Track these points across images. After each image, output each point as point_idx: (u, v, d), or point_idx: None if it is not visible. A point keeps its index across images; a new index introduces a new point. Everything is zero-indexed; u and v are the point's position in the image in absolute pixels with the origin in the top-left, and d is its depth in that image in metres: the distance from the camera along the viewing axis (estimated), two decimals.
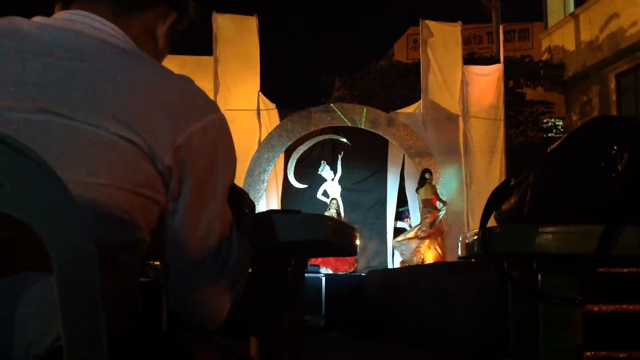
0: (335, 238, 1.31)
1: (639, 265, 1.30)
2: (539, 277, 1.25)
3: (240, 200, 1.19)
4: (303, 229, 1.25)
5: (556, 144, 1.29)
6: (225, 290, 1.06)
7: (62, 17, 1.05)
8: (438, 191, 11.29)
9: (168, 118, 0.95)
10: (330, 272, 10.25)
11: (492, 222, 1.41)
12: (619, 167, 1.15)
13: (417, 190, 11.33)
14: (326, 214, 11.49)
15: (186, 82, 1.02)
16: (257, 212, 1.29)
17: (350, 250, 1.43)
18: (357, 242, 1.51)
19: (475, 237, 1.39)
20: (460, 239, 1.60)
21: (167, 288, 1.05)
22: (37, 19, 1.04)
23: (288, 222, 1.25)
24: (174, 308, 1.05)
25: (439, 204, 11.06)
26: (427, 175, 11.14)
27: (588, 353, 1.32)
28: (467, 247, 1.46)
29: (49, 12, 1.09)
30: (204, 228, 1.02)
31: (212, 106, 1.03)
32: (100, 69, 0.95)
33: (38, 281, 0.82)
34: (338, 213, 11.91)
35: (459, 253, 1.65)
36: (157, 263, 1.20)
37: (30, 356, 0.82)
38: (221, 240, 1.04)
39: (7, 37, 0.98)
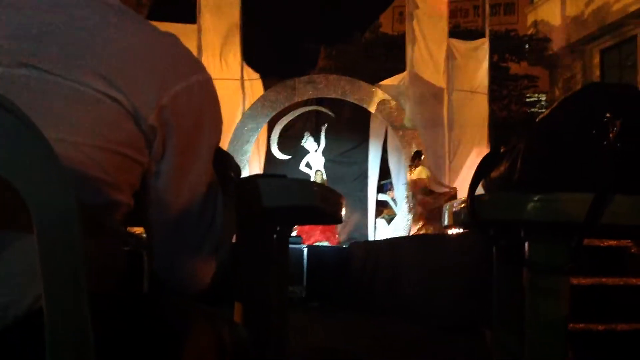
0: (322, 204, 1.29)
1: (627, 235, 1.30)
2: (527, 245, 1.24)
3: (226, 163, 1.17)
4: (289, 194, 1.23)
5: (547, 111, 1.28)
6: (210, 254, 1.04)
7: None
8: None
9: (153, 76, 0.92)
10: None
11: (480, 191, 1.39)
12: (611, 135, 1.14)
13: (410, 167, 10.83)
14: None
15: (172, 40, 0.98)
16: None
17: (337, 218, 1.42)
18: (344, 210, 1.49)
19: (462, 206, 1.38)
20: (447, 208, 1.59)
21: (150, 252, 1.02)
22: None
23: (274, 186, 1.22)
24: (157, 273, 1.03)
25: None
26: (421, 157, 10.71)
27: (579, 325, 1.32)
28: (454, 215, 1.45)
29: None
30: (188, 190, 0.99)
31: (199, 66, 1.00)
32: (82, 24, 0.91)
33: (17, 240, 0.80)
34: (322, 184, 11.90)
35: (444, 222, 1.64)
36: (139, 230, 1.17)
37: (9, 317, 0.80)
38: (205, 203, 1.02)
39: None
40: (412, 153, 11.01)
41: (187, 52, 1.00)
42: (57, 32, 0.90)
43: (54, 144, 0.75)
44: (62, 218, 0.73)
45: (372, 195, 12.86)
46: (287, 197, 1.23)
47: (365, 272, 8.17)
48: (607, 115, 1.14)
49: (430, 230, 10.17)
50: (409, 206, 11.09)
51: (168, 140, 0.94)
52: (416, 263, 6.76)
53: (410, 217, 11.22)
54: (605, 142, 1.14)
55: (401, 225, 11.36)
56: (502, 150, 1.32)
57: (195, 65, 0.99)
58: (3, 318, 0.80)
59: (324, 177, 12.24)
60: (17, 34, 0.89)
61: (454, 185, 11.55)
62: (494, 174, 1.32)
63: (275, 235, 1.33)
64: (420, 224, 10.47)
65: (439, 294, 6.09)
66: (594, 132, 1.15)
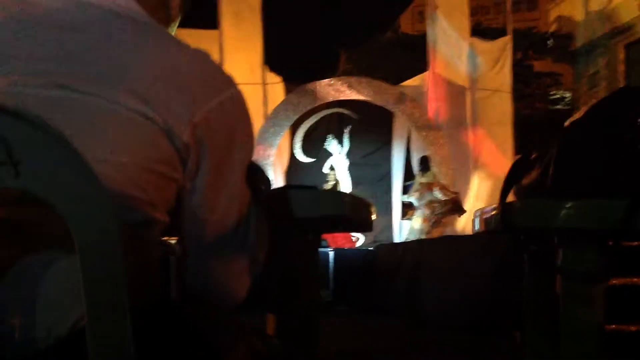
0: (353, 213, 1.29)
1: None
2: (560, 253, 1.23)
3: (257, 176, 1.17)
4: (320, 205, 1.24)
5: (578, 115, 1.27)
6: (244, 268, 1.05)
7: None
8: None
9: (185, 94, 0.92)
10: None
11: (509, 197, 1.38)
12: None
13: (421, 171, 10.68)
14: (325, 186, 11.52)
15: (203, 57, 0.99)
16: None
17: (367, 226, 1.42)
18: (374, 217, 1.50)
19: (494, 212, 1.37)
20: (478, 214, 1.58)
21: (180, 259, 1.03)
22: None
23: (304, 198, 1.23)
24: (192, 287, 1.04)
25: (437, 194, 10.36)
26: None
27: (611, 326, 1.31)
28: (485, 222, 1.44)
29: None
30: (222, 206, 1.00)
31: (230, 81, 1.01)
32: (115, 42, 0.92)
33: (60, 260, 0.81)
34: (336, 185, 11.91)
35: (476, 227, 1.63)
36: (170, 239, 1.18)
37: (52, 337, 0.81)
38: (240, 218, 1.02)
39: (15, 4, 0.95)
40: (420, 158, 10.97)
41: (218, 68, 1.01)
42: (90, 51, 0.91)
43: (92, 164, 0.76)
44: (102, 238, 0.74)
45: (397, 197, 12.82)
46: (317, 208, 1.24)
47: (391, 275, 8.14)
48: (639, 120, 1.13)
49: (437, 234, 10.13)
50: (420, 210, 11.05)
51: (202, 157, 0.95)
52: (441, 265, 6.72)
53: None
54: (638, 147, 1.13)
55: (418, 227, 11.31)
56: (533, 156, 1.31)
57: (227, 81, 1.00)
58: (46, 339, 0.81)
59: (341, 177, 12.21)
60: (51, 55, 0.90)
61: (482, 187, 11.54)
62: (525, 181, 1.32)
63: (306, 246, 1.34)
64: (428, 227, 10.48)
65: (464, 297, 6.04)
66: (626, 137, 1.14)
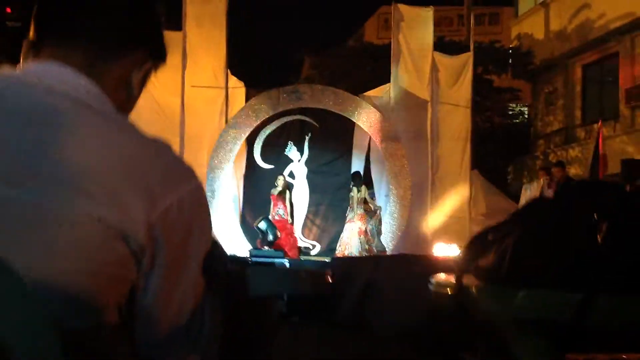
0: (310, 289, 1.28)
1: (615, 336, 1.31)
2: (514, 341, 1.24)
3: (213, 258, 1.15)
4: (278, 284, 1.22)
5: (536, 204, 1.28)
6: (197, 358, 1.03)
7: (31, 69, 0.98)
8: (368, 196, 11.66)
9: (143, 192, 0.90)
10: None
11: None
12: (598, 237, 1.14)
13: (354, 187, 11.60)
14: (272, 191, 11.52)
15: (162, 149, 0.97)
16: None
17: (324, 294, 1.41)
18: (330, 280, 1.49)
19: (446, 289, 1.38)
20: (434, 281, 1.59)
21: None
22: (4, 71, 0.98)
23: (262, 277, 1.22)
24: None
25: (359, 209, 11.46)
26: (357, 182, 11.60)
27: None
28: (437, 296, 1.45)
29: None
30: (176, 303, 0.98)
31: (189, 174, 0.98)
32: (71, 138, 0.89)
33: None
34: (284, 191, 11.71)
35: (431, 289, 1.64)
36: None
37: None
38: (194, 312, 1.00)
39: None
40: (352, 173, 11.88)
41: (178, 160, 0.98)
42: (46, 149, 0.87)
43: (34, 273, 0.74)
44: (39, 347, 0.72)
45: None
46: (276, 287, 1.23)
47: (345, 288, 8.16)
48: (594, 216, 1.15)
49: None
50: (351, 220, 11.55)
51: (157, 255, 0.93)
52: (394, 283, 6.76)
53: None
54: (592, 243, 1.15)
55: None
56: (489, 237, 1.33)
57: (186, 174, 0.98)
58: None
59: (288, 183, 12.07)
60: (4, 150, 0.87)
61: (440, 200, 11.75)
62: (482, 263, 1.33)
63: (264, 320, 1.32)
64: (364, 239, 11.28)
65: (415, 315, 6.07)
66: (581, 232, 1.15)
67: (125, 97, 1.07)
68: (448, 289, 1.32)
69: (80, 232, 0.85)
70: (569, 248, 1.17)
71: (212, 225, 1.04)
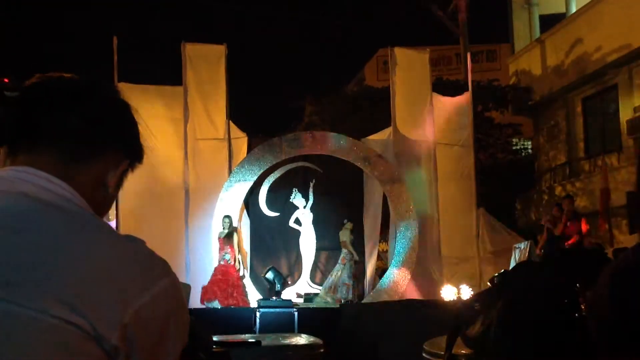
0: None
1: None
2: None
3: (194, 344, 1.15)
4: None
5: (519, 272, 1.28)
6: None
7: (5, 174, 1.00)
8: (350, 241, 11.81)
9: (116, 293, 0.90)
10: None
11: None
12: (582, 309, 1.13)
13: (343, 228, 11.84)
14: (219, 234, 10.79)
15: (136, 248, 0.97)
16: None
17: None
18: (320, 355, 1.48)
19: (438, 358, 1.37)
20: (426, 346, 1.58)
21: None
22: None
23: (247, 358, 1.21)
24: None
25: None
26: (345, 222, 11.81)
27: None
28: None
29: None
30: None
31: (163, 270, 0.99)
32: (44, 243, 0.90)
33: None
34: (231, 233, 10.76)
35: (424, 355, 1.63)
36: None
37: None
38: None
39: None
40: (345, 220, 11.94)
41: (152, 257, 0.98)
42: (17, 255, 0.88)
43: None
44: None
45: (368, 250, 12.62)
46: None
47: (357, 334, 8.08)
48: (576, 287, 1.15)
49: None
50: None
51: (132, 355, 0.93)
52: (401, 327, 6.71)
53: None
54: (576, 316, 1.14)
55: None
56: (476, 307, 1.32)
57: (160, 271, 0.98)
58: None
59: (232, 221, 10.99)
60: None
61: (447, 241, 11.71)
62: (469, 331, 1.32)
63: None
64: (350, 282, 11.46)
65: None
66: (564, 307, 1.15)
67: (101, 197, 1.08)
68: (440, 357, 1.31)
69: (53, 336, 0.85)
70: (552, 322, 1.16)
71: (188, 320, 1.04)
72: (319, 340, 3.36)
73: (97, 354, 0.89)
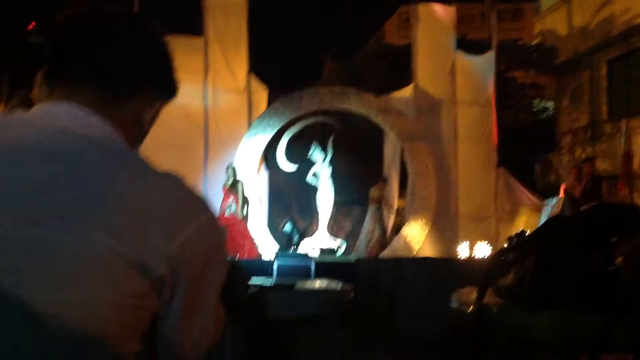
0: (330, 310, 1.30)
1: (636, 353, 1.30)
2: None
3: (233, 282, 1.17)
4: (298, 306, 1.24)
5: (555, 223, 1.28)
6: None
7: (45, 111, 1.00)
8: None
9: (160, 226, 0.92)
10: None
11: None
12: (618, 260, 1.14)
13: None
14: (225, 183, 10.51)
15: (176, 183, 0.99)
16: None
17: (341, 318, 1.43)
18: (351, 298, 1.50)
19: (467, 307, 1.38)
20: (455, 295, 1.59)
21: None
22: (19, 115, 1.00)
23: (283, 299, 1.23)
24: None
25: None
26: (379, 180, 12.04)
27: None
28: (458, 313, 1.45)
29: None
30: (197, 329, 1.01)
31: (203, 205, 1.01)
32: (88, 176, 0.92)
33: None
34: (235, 183, 10.39)
35: (453, 305, 1.64)
36: None
37: None
38: (214, 339, 1.03)
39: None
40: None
41: (191, 193, 1.00)
42: (65, 187, 0.90)
43: (56, 308, 0.76)
44: None
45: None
46: (297, 308, 1.24)
47: (372, 290, 8.16)
48: (615, 238, 1.15)
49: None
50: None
51: (177, 284, 0.95)
52: (419, 285, 6.76)
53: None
54: (612, 266, 1.14)
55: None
56: (510, 257, 1.33)
57: (200, 206, 1.00)
58: None
59: (235, 169, 10.62)
60: (21, 190, 0.89)
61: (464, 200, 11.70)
62: (502, 282, 1.33)
63: (283, 341, 1.34)
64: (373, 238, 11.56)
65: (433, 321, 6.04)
66: (602, 255, 1.15)
67: (136, 134, 1.09)
68: (469, 306, 1.33)
69: (101, 266, 0.88)
70: (588, 269, 1.17)
71: (228, 254, 1.06)
72: (349, 286, 3.42)
73: (144, 284, 0.91)
